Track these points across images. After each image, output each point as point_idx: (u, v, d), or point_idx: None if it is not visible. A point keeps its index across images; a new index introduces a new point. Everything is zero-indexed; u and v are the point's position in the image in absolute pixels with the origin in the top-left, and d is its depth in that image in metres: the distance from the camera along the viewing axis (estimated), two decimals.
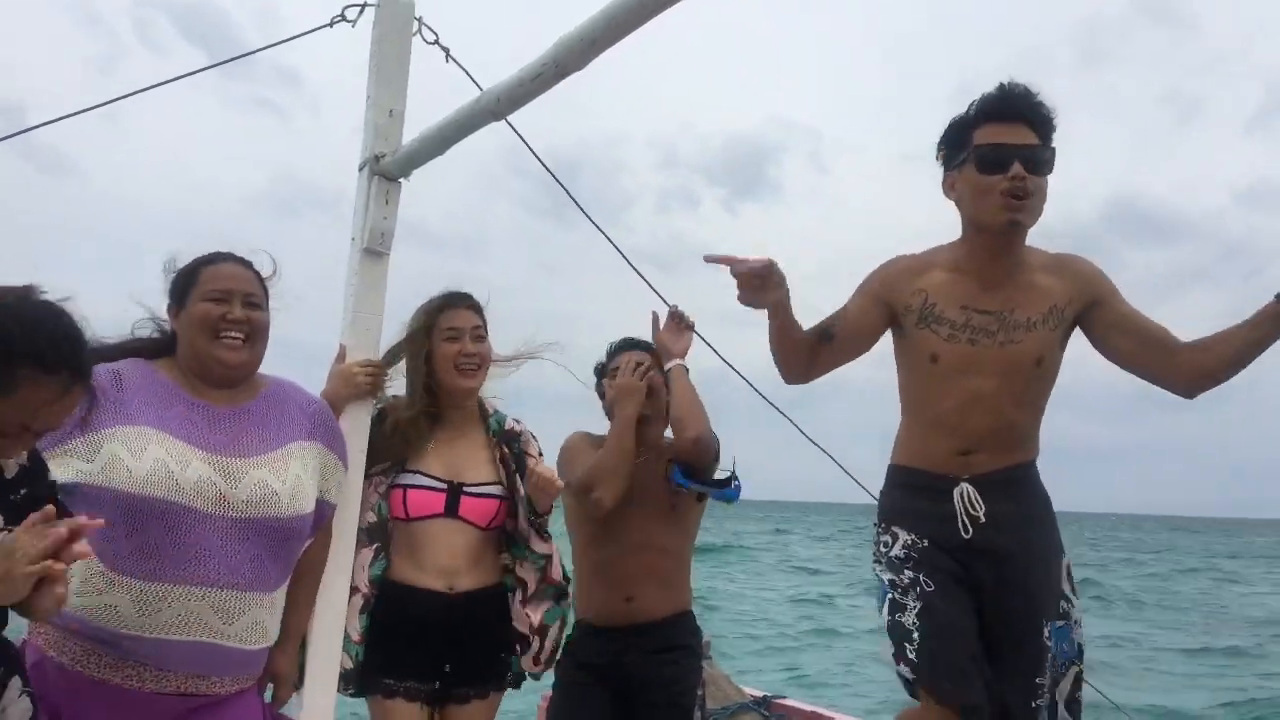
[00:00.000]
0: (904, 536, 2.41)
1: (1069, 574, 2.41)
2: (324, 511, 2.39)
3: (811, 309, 2.62)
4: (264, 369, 2.35)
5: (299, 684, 2.56)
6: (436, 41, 3.10)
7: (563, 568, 2.93)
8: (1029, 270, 2.40)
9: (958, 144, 2.39)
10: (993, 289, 2.39)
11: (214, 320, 2.17)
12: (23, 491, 1.78)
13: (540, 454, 2.95)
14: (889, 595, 2.36)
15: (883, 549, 2.45)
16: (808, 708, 3.64)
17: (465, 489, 2.75)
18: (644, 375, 3.03)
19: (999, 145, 2.30)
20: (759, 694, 3.77)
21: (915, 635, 2.26)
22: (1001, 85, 2.34)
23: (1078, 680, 2.36)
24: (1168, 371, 2.33)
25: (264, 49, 3.46)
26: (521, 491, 2.81)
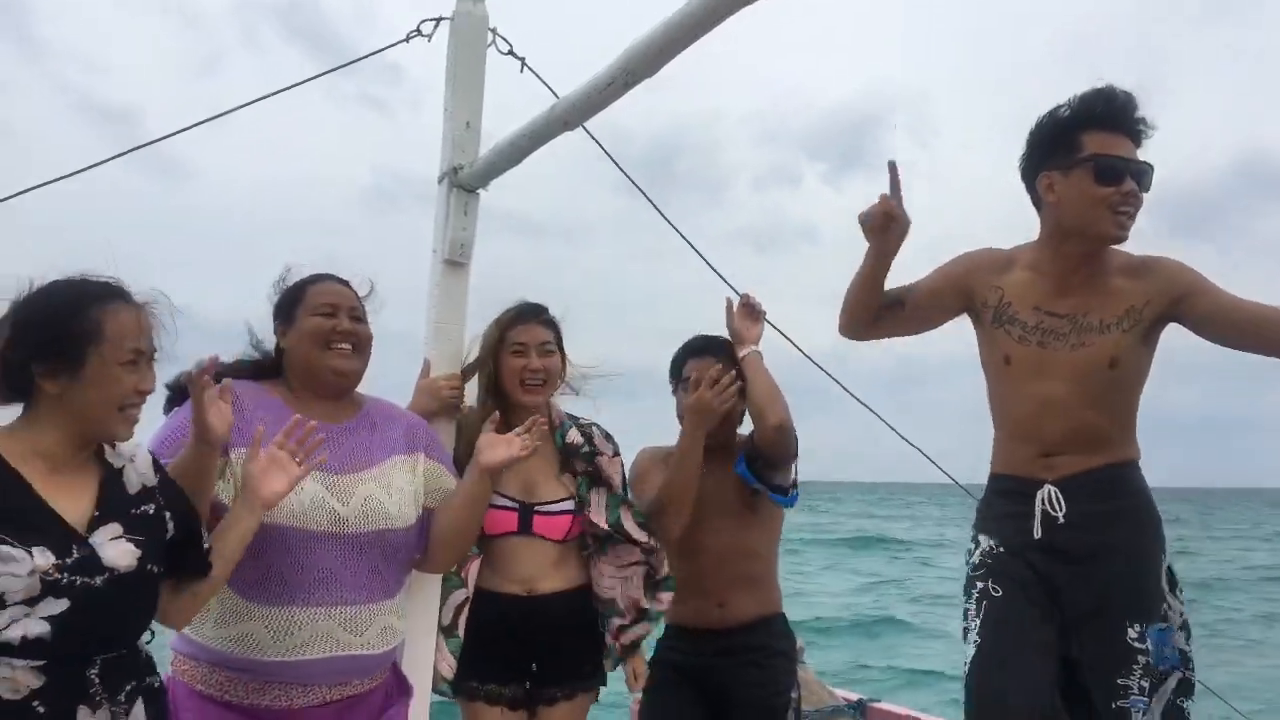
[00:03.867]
0: (984, 543, 2.43)
1: (1170, 576, 2.34)
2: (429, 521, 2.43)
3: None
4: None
5: None
6: (511, 51, 3.13)
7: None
8: (1108, 274, 2.36)
9: (1064, 145, 2.33)
10: (1069, 293, 2.37)
11: (325, 332, 2.28)
12: (147, 509, 1.83)
13: (616, 453, 2.91)
14: (963, 610, 2.41)
15: (967, 556, 2.47)
16: (902, 711, 3.57)
17: (537, 508, 2.74)
18: (725, 395, 2.83)
19: (1118, 158, 2.28)
20: (854, 697, 3.72)
21: (972, 663, 2.30)
22: (1109, 91, 2.30)
23: (1181, 687, 2.29)
24: (1264, 343, 2.23)
25: (347, 65, 3.51)
26: (592, 505, 2.80)
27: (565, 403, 2.97)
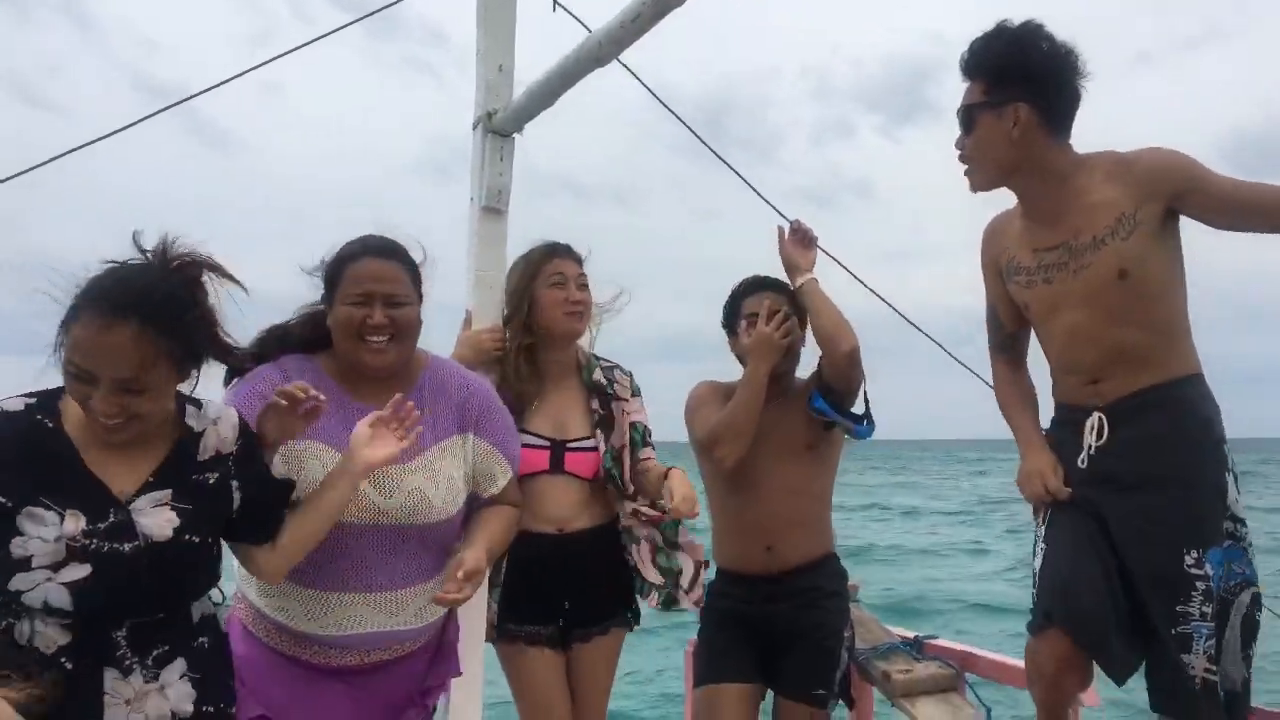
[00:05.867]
0: None
1: (1236, 491, 2.26)
2: (477, 503, 2.34)
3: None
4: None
5: None
6: None
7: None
8: (1090, 186, 2.30)
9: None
10: (1054, 222, 2.34)
11: (356, 325, 2.12)
12: (208, 477, 1.81)
13: (635, 392, 2.94)
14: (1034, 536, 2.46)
15: None
16: (960, 648, 3.53)
17: (568, 445, 2.79)
18: (784, 329, 2.87)
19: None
20: (910, 634, 3.68)
21: (1040, 570, 2.37)
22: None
23: (1255, 601, 2.24)
24: (1272, 224, 2.19)
25: (382, 9, 3.46)
26: (608, 445, 2.82)
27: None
